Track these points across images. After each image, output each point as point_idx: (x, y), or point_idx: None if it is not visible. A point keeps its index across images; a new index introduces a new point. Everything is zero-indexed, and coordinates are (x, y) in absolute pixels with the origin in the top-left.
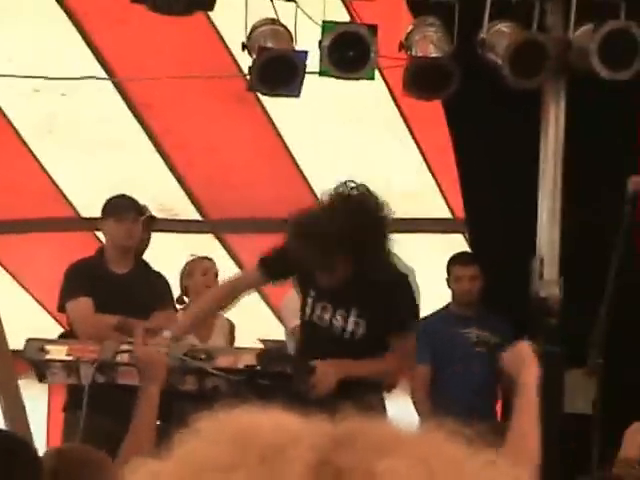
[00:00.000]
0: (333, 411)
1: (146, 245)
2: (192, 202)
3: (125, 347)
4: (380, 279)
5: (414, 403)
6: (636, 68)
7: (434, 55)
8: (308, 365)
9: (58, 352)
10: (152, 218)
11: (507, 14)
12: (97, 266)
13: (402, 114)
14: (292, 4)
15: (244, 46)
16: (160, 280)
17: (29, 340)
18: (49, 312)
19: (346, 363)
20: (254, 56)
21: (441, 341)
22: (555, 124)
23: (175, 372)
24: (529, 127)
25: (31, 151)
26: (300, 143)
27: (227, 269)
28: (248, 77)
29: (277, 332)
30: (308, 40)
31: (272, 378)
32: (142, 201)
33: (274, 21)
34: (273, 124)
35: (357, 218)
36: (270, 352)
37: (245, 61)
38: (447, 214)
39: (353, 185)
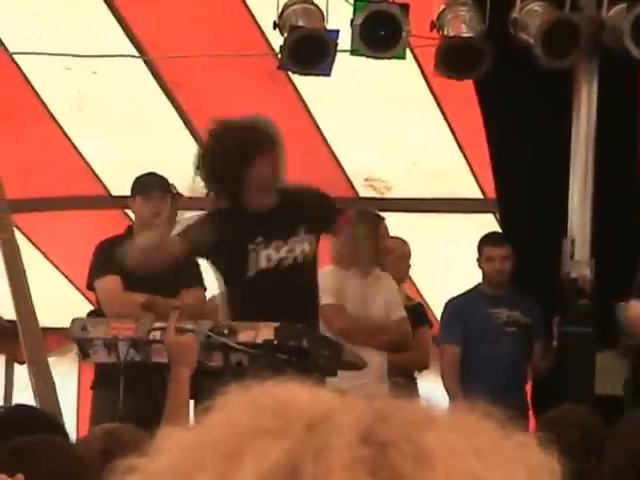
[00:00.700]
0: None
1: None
2: None
3: (158, 325)
4: (296, 189)
5: (444, 382)
6: None
7: (466, 35)
8: (329, 340)
9: (99, 330)
10: (178, 195)
11: None
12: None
13: (433, 93)
14: None
15: (275, 24)
16: (188, 258)
17: (74, 320)
18: (79, 290)
19: None
20: (285, 35)
21: (471, 321)
22: (587, 104)
23: (202, 348)
24: (561, 107)
25: (62, 129)
26: (331, 122)
27: None
28: (279, 56)
29: None
30: (339, 19)
31: (288, 352)
32: (172, 180)
33: None
34: (304, 103)
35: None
36: (287, 326)
37: (276, 40)
38: (478, 194)
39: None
